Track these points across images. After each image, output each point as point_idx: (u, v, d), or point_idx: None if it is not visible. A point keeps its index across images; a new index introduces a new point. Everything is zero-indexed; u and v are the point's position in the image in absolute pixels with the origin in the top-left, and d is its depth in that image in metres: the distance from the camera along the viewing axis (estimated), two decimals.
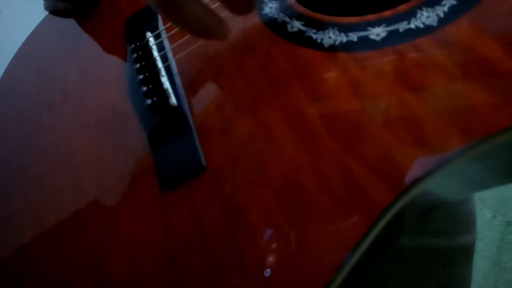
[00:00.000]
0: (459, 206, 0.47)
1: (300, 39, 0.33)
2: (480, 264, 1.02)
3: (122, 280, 0.31)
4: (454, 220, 0.46)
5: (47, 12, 0.53)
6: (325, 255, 0.26)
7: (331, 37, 0.32)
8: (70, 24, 0.51)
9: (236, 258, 0.27)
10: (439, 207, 0.32)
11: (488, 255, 1.03)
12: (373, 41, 0.30)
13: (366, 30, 0.31)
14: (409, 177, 0.25)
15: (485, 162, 0.27)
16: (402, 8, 0.30)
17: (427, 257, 0.42)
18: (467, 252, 0.46)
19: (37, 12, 0.54)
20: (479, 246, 0.48)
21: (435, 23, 0.29)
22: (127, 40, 0.43)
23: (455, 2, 0.29)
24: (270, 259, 0.27)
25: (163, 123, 0.35)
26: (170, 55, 0.39)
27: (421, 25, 0.29)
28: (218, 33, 0.31)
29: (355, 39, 0.31)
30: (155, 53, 0.39)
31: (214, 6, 0.32)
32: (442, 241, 0.43)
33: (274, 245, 0.27)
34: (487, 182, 0.34)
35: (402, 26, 0.30)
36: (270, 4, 0.36)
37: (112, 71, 0.42)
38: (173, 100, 0.35)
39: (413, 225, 0.29)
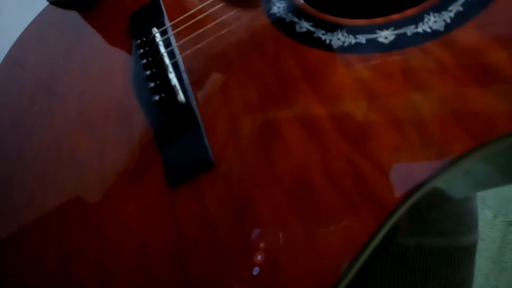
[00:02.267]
0: (461, 206, 0.47)
1: (309, 39, 0.33)
2: (482, 264, 1.02)
3: (128, 278, 0.31)
4: (457, 220, 0.46)
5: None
6: (334, 254, 0.26)
7: (340, 38, 0.32)
8: (71, 16, 0.50)
9: (244, 255, 0.28)
10: (442, 206, 0.32)
11: (489, 255, 1.03)
12: (382, 43, 0.30)
13: (374, 33, 0.31)
14: (417, 177, 0.26)
15: (491, 164, 0.27)
16: (410, 12, 0.30)
17: (429, 257, 0.42)
18: (469, 252, 0.46)
19: (37, 13, 0.53)
20: (480, 246, 0.48)
21: (442, 28, 0.29)
22: (132, 35, 0.43)
23: (461, 9, 0.29)
24: (278, 257, 0.27)
25: (171, 119, 0.35)
26: (177, 51, 0.39)
27: (428, 30, 0.29)
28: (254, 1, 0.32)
29: (363, 41, 0.31)
30: (162, 49, 0.39)
31: None
32: (444, 241, 0.43)
33: (282, 243, 0.27)
34: (492, 182, 0.34)
35: (410, 30, 0.30)
36: (278, 4, 0.36)
37: (116, 65, 0.42)
38: (181, 96, 0.35)
39: (413, 223, 0.29)
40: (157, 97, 0.37)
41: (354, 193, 0.27)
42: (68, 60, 0.46)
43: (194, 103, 0.35)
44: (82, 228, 0.34)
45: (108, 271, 0.32)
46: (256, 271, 0.27)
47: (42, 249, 0.35)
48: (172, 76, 0.37)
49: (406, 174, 0.26)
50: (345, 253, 0.25)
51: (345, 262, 0.25)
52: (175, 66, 0.38)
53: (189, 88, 0.36)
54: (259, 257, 0.27)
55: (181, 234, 0.30)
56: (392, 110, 0.28)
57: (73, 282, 0.33)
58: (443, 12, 0.29)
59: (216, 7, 0.38)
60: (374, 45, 0.30)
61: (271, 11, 0.36)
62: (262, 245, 0.28)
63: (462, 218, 0.46)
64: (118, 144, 0.37)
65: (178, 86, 0.36)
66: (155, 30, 0.41)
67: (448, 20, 0.29)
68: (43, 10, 0.53)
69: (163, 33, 0.40)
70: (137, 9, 0.45)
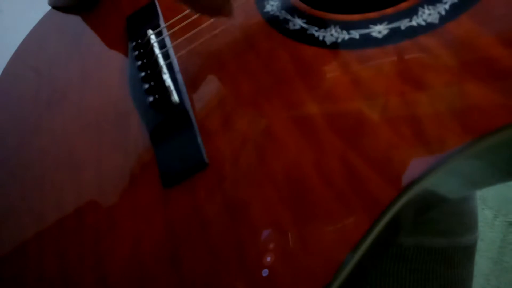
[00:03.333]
0: (461, 205, 0.46)
1: (302, 36, 0.33)
2: (482, 264, 1.01)
3: (123, 278, 0.31)
4: (456, 220, 0.45)
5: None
6: (328, 252, 0.25)
7: (333, 34, 0.32)
8: (71, 21, 0.50)
9: (238, 256, 0.27)
10: (439, 205, 0.32)
11: (489, 256, 1.02)
12: (375, 38, 0.30)
13: (368, 27, 0.31)
14: (411, 174, 0.25)
15: (485, 159, 0.27)
16: (403, 5, 0.30)
17: (429, 257, 0.42)
18: (469, 252, 0.46)
19: (38, 12, 0.54)
20: (480, 247, 0.48)
21: (436, 21, 0.29)
22: (128, 37, 0.43)
23: (456, 0, 0.29)
24: (272, 257, 0.27)
25: (165, 120, 0.35)
26: (171, 52, 0.39)
27: (423, 23, 0.29)
28: (224, 10, 0.32)
29: (357, 36, 0.31)
30: (157, 50, 0.39)
31: None
32: (444, 241, 0.43)
33: (276, 243, 0.27)
34: (487, 180, 0.34)
35: (403, 24, 0.30)
36: (271, 2, 0.36)
37: (113, 68, 0.42)
38: (175, 97, 0.35)
39: (413, 224, 0.29)
40: (151, 98, 0.37)
41: (348, 190, 0.26)
42: (68, 64, 0.46)
43: (188, 104, 0.35)
44: (79, 229, 0.34)
45: (104, 272, 0.31)
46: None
47: (40, 253, 0.35)
48: (166, 76, 0.37)
49: (400, 170, 0.26)
50: (339, 251, 0.25)
51: (339, 260, 0.25)
52: (170, 66, 0.38)
53: (183, 89, 0.36)
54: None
55: (175, 235, 0.30)
56: (385, 105, 0.27)
57: (70, 282, 0.32)
58: (438, 5, 0.29)
59: None
60: (367, 40, 0.30)
61: (265, 9, 0.36)
62: (256, 244, 0.27)
63: (461, 218, 0.46)
64: (114, 147, 0.37)
65: (172, 87, 0.36)
66: (150, 31, 0.41)
67: (443, 13, 0.29)
68: (44, 15, 0.54)
69: (158, 34, 0.41)
70: (133, 11, 0.45)
